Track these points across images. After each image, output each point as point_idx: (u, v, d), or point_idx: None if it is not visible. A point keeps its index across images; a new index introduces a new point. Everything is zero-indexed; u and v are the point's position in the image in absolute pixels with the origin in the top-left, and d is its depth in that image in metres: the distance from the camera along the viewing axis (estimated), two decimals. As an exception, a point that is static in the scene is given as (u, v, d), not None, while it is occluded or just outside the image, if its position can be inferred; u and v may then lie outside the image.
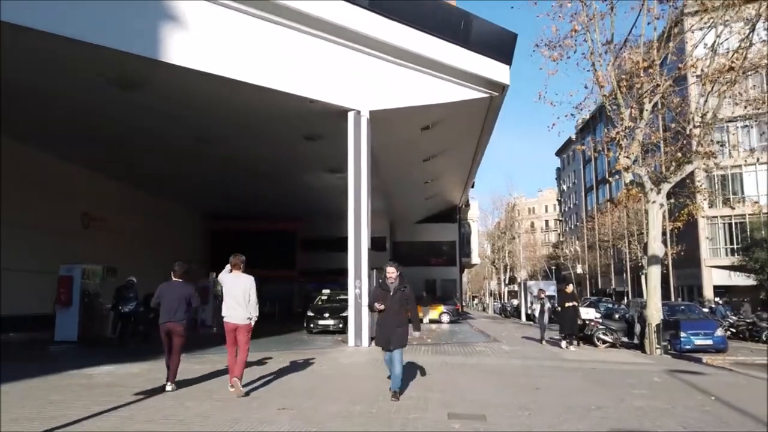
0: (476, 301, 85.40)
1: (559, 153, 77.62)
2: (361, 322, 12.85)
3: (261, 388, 7.21)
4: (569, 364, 10.84)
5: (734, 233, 37.98)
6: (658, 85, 13.29)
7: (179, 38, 10.88)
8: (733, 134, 34.14)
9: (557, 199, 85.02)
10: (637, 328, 14.86)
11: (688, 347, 14.50)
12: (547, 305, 16.25)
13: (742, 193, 38.65)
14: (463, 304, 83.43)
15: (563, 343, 13.94)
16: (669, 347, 14.02)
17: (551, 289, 39.84)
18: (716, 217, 38.71)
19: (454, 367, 9.65)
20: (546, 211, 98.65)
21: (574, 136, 69.55)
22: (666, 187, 14.27)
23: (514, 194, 60.70)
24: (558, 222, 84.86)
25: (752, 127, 36.89)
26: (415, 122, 16.34)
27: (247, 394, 6.60)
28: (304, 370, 9.19)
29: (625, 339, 15.31)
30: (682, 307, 17.07)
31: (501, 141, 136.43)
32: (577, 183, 68.19)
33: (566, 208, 76.40)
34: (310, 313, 18.01)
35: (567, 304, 14.23)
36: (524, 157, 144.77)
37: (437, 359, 10.86)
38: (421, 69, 14.27)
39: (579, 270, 59.70)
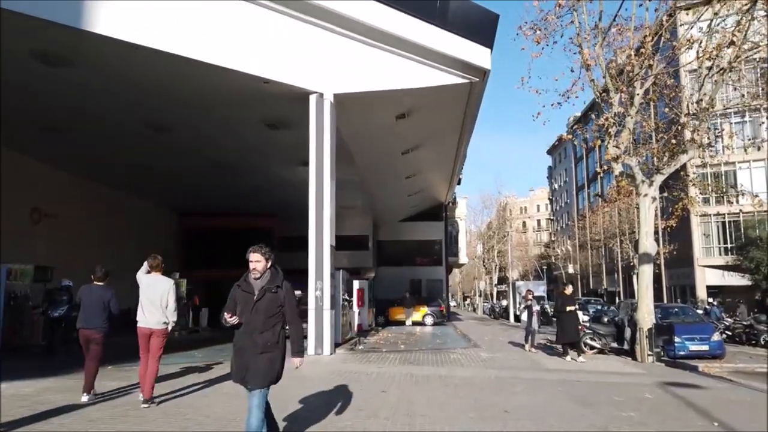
0: (468, 301, 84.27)
1: (550, 151, 76.69)
2: (323, 328, 11.56)
3: (165, 411, 5.91)
4: (551, 375, 9.61)
5: (728, 232, 37.04)
6: (651, 66, 12.10)
7: (108, 6, 9.55)
8: (728, 126, 33.24)
9: (548, 198, 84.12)
10: (627, 332, 13.67)
11: (682, 353, 13.34)
12: (536, 308, 14.83)
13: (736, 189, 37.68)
14: (455, 304, 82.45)
15: (568, 357, 12.05)
16: (662, 353, 12.85)
17: (540, 289, 38.72)
18: (709, 215, 37.79)
19: (417, 382, 8.39)
20: (538, 210, 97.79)
21: (565, 134, 68.74)
22: (659, 179, 13.10)
23: (503, 192, 59.54)
24: (549, 221, 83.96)
25: (746, 122, 36.13)
26: (388, 109, 15.08)
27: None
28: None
29: (614, 344, 14.12)
30: (676, 309, 15.90)
31: (492, 140, 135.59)
32: (569, 181, 67.29)
33: (558, 207, 75.49)
34: (277, 317, 16.67)
35: (569, 308, 12.38)
36: (516, 157, 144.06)
37: (402, 370, 9.61)
38: (393, 50, 13.02)
39: (570, 270, 58.70)
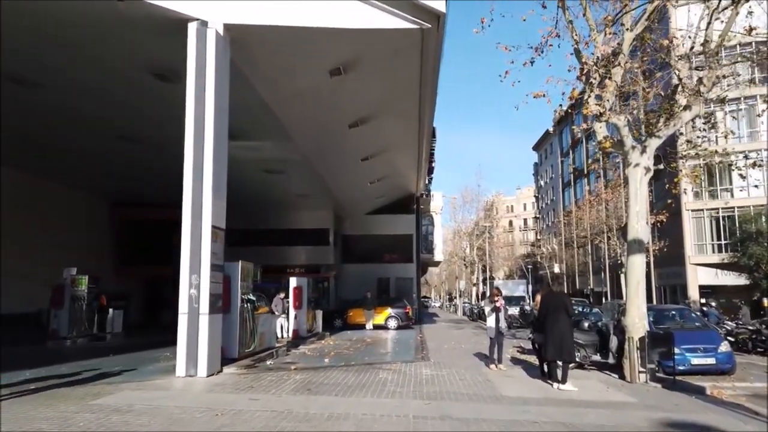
0: (454, 301, 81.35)
1: (536, 148, 74.10)
2: (197, 339, 8.42)
3: None
4: (498, 412, 6.56)
5: (722, 227, 34.44)
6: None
7: None
8: (722, 121, 30.62)
9: (534, 196, 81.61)
10: (614, 342, 10.70)
11: (681, 368, 10.41)
12: (505, 312, 11.23)
13: (730, 183, 35.19)
14: (438, 305, 79.36)
15: (561, 385, 8.34)
16: (657, 369, 9.88)
17: (521, 289, 35.82)
18: (702, 210, 35.23)
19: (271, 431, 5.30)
20: (524, 209, 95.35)
21: (551, 129, 66.10)
22: (653, 144, 10.12)
23: (483, 186, 56.58)
24: (536, 219, 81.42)
25: (741, 110, 33.58)
26: (316, 60, 12.01)
27: None
28: None
29: (596, 357, 11.16)
30: (672, 312, 12.94)
31: (480, 138, 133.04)
32: (555, 178, 64.71)
33: (544, 205, 72.96)
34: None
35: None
36: (503, 155, 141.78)
37: (282, 405, 6.51)
38: (311, -26, 9.98)
39: (556, 269, 55.97)
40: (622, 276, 37.11)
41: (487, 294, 38.13)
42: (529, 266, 62.77)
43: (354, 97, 14.41)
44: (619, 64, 10.19)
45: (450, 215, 49.56)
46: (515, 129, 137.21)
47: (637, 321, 9.79)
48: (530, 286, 42.72)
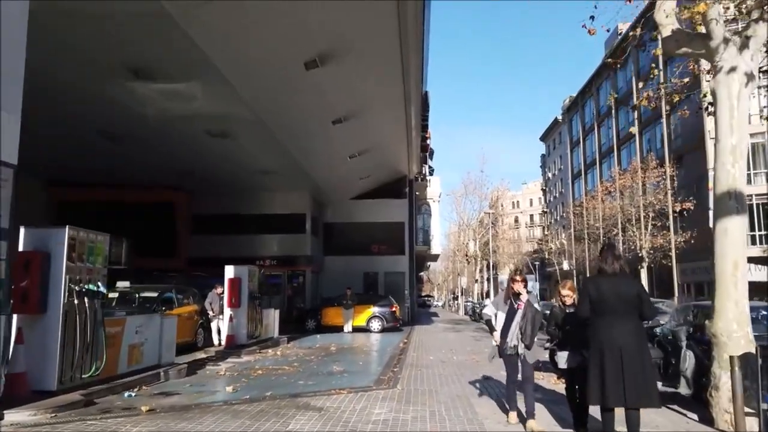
0: (457, 300, 77.27)
1: (543, 138, 69.93)
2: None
3: None
4: None
5: (757, 217, 30.37)
6: None
7: None
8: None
9: (542, 189, 77.45)
10: (689, 360, 6.67)
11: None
12: (532, 314, 5.87)
13: (766, 166, 31.04)
14: (440, 304, 75.36)
15: None
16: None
17: (529, 286, 31.76)
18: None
19: None
20: (531, 204, 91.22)
21: (560, 117, 61.91)
22: (762, 34, 6.10)
23: (485, 172, 52.30)
24: (543, 214, 77.25)
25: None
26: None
27: None
28: None
29: (658, 385, 7.13)
30: (763, 311, 8.81)
31: (485, 133, 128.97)
32: (564, 169, 60.52)
33: (552, 198, 68.80)
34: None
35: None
36: (509, 151, 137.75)
37: None
38: None
39: (565, 266, 51.73)
40: (642, 272, 33.09)
41: (501, 288, 32.80)
42: (536, 263, 58.63)
43: (304, 16, 10.39)
44: None
45: (453, 208, 45.47)
46: (520, 123, 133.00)
47: (736, 327, 5.81)
48: (537, 284, 38.85)
